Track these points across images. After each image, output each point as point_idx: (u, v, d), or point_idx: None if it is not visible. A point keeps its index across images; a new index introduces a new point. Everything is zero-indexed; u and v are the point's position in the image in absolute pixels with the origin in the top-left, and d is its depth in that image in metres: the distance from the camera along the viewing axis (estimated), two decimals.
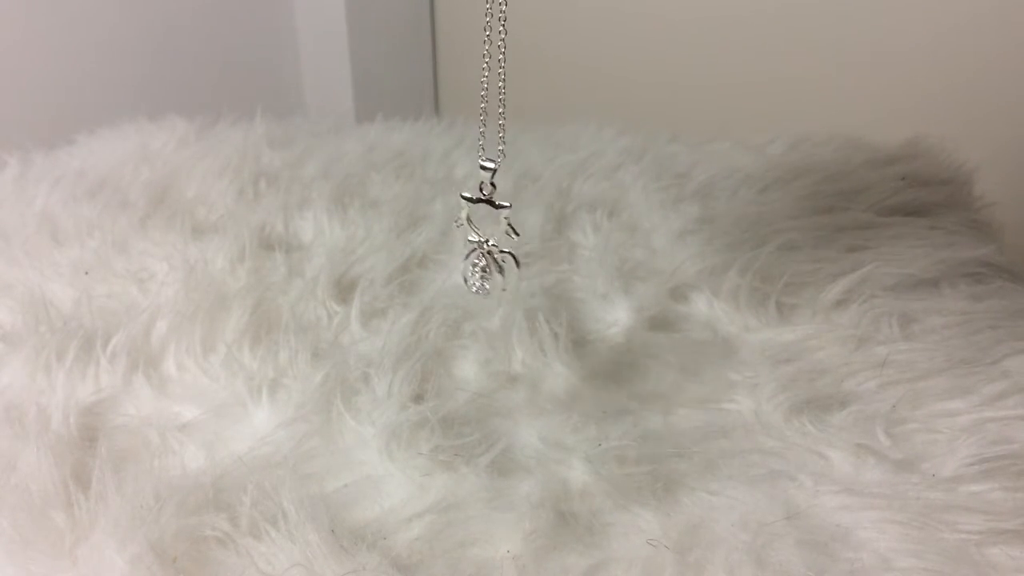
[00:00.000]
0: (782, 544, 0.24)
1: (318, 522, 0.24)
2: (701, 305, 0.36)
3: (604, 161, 0.49)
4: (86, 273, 0.35)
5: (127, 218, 0.39)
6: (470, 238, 0.28)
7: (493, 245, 0.28)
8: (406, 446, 0.27)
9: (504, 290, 0.28)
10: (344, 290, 0.36)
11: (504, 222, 0.27)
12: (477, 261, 0.28)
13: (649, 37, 0.74)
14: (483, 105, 0.27)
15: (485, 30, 0.26)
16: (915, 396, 0.30)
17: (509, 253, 0.28)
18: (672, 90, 0.73)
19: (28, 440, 0.26)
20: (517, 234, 0.27)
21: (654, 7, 0.73)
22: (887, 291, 0.35)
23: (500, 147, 0.28)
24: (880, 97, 0.64)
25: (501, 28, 0.26)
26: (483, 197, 0.27)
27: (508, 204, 0.27)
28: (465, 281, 0.28)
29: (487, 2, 0.26)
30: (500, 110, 0.27)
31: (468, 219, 0.28)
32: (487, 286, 0.28)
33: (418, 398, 0.30)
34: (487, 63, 0.26)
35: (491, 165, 0.27)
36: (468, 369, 0.32)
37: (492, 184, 0.27)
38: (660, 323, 0.35)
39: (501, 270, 0.28)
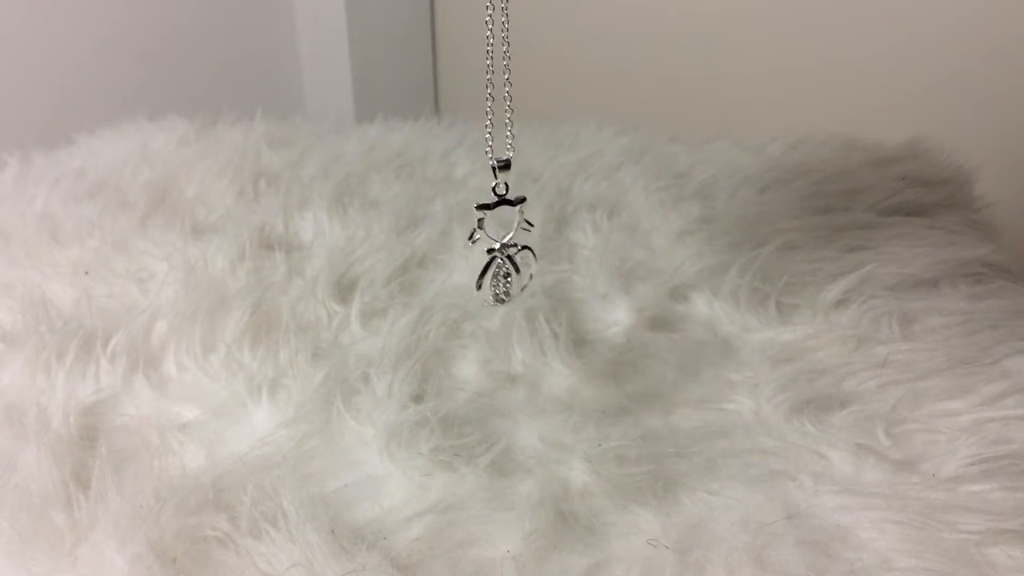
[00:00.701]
0: (782, 544, 0.24)
1: (318, 522, 0.24)
2: (701, 305, 0.36)
3: (604, 161, 0.49)
4: (86, 273, 0.35)
5: (127, 218, 0.39)
6: (489, 248, 0.27)
7: (512, 246, 0.27)
8: (406, 446, 0.27)
9: (524, 288, 0.27)
10: (344, 290, 0.36)
11: (519, 216, 0.27)
12: (498, 269, 0.27)
13: (649, 37, 0.74)
14: (489, 105, 0.27)
15: (487, 26, 0.26)
16: (915, 396, 0.30)
17: (527, 248, 0.27)
18: (672, 90, 0.73)
19: (28, 440, 0.26)
20: (531, 225, 0.27)
21: (654, 7, 0.73)
22: (887, 291, 0.35)
23: (509, 142, 0.27)
24: (880, 97, 0.64)
25: (504, 20, 0.26)
26: (500, 198, 0.27)
27: (524, 197, 0.27)
28: (487, 297, 0.27)
29: (489, 0, 0.26)
30: (507, 103, 0.27)
31: (483, 228, 0.27)
32: (510, 291, 0.27)
33: (418, 398, 0.30)
34: (491, 62, 0.26)
35: (508, 155, 0.27)
36: (468, 369, 0.32)
37: (506, 183, 0.27)
38: (660, 323, 0.35)
39: (517, 269, 0.27)
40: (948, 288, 0.36)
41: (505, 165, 0.27)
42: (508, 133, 0.27)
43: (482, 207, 0.26)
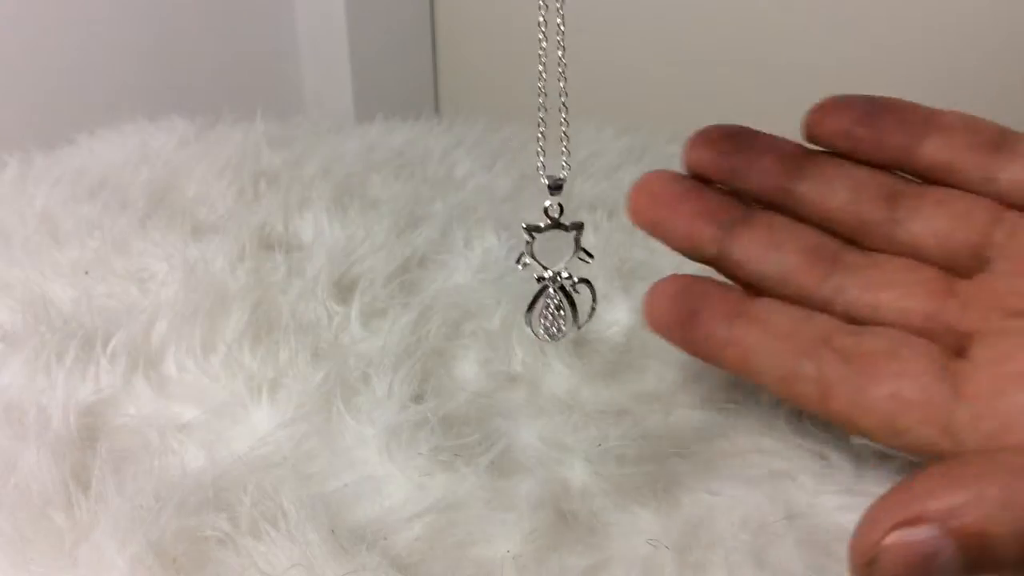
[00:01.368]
0: (782, 544, 0.24)
1: (318, 522, 0.24)
2: None
3: (604, 161, 0.49)
4: (86, 273, 0.35)
5: (127, 218, 0.39)
6: (539, 275, 0.24)
7: (566, 277, 0.24)
8: (406, 446, 0.27)
9: (582, 326, 0.25)
10: (344, 290, 0.36)
11: (574, 245, 0.24)
12: (550, 301, 0.24)
13: (649, 37, 0.74)
14: (541, 115, 0.26)
15: (540, 28, 0.26)
16: None
17: (585, 282, 0.25)
18: (672, 90, 0.73)
19: (28, 440, 0.26)
20: (591, 257, 0.25)
21: (654, 7, 0.73)
22: None
23: (564, 159, 0.26)
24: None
25: (559, 22, 0.26)
26: (553, 222, 0.24)
27: (582, 223, 0.25)
28: (537, 331, 0.25)
29: (542, 2, 0.26)
30: (563, 115, 0.26)
31: (532, 253, 0.24)
32: (563, 327, 0.25)
33: (418, 398, 0.30)
34: (543, 64, 0.26)
35: (562, 175, 0.24)
36: (468, 369, 0.32)
37: (560, 205, 0.25)
38: None
39: (573, 303, 0.24)
40: None
41: (558, 186, 0.25)
42: (563, 149, 0.27)
43: (531, 229, 0.24)
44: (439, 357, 0.32)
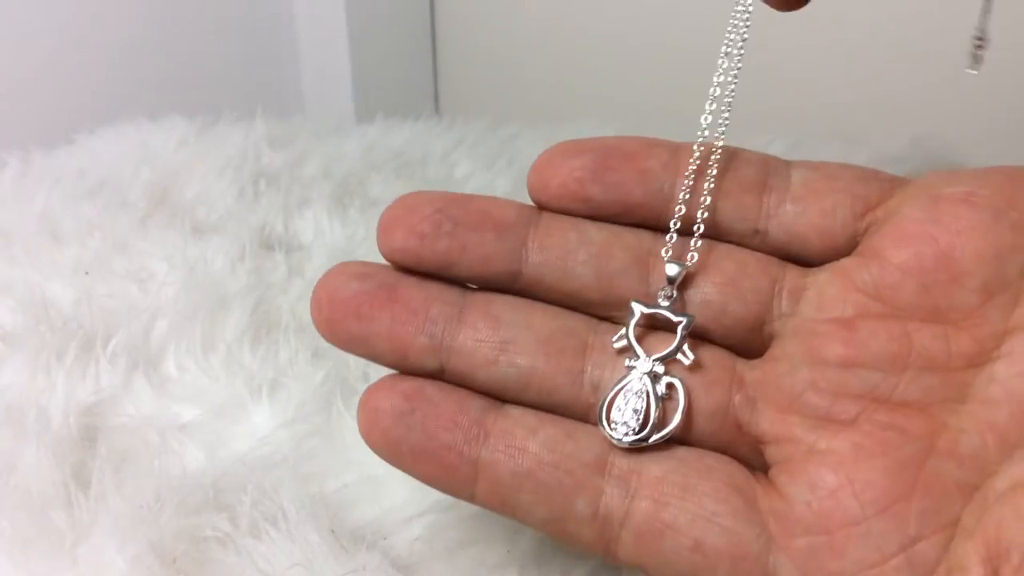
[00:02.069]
0: None
1: (318, 522, 0.24)
2: None
3: None
4: (86, 273, 0.35)
5: (127, 218, 0.39)
6: (631, 362, 0.21)
7: (660, 372, 0.21)
8: None
9: (663, 437, 0.20)
10: None
11: (677, 340, 0.21)
12: (634, 392, 0.20)
13: (650, 37, 0.74)
14: (719, 145, 0.22)
15: (724, 48, 0.23)
16: None
17: (677, 382, 0.21)
18: (672, 90, 0.73)
19: (28, 440, 0.26)
20: (690, 358, 0.21)
21: (654, 7, 0.73)
22: None
23: (697, 234, 0.22)
24: (880, 97, 0.64)
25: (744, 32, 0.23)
26: (665, 305, 0.21)
27: (692, 318, 0.21)
28: (611, 427, 0.20)
29: (732, 18, 0.23)
30: (714, 155, 0.22)
31: (632, 335, 0.21)
32: (640, 429, 0.20)
33: None
34: (719, 82, 0.23)
35: (687, 265, 0.21)
36: None
37: (675, 289, 0.21)
38: None
39: (659, 402, 0.20)
40: None
41: (680, 275, 0.21)
42: (700, 214, 0.22)
43: (641, 305, 0.21)
44: None
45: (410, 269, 0.21)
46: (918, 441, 0.19)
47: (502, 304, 0.21)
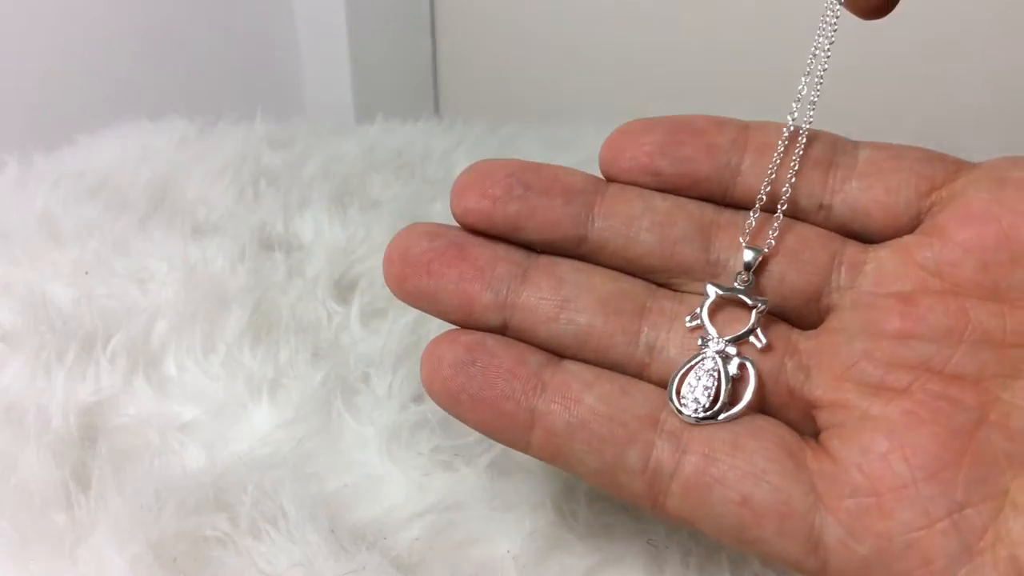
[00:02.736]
0: None
1: (318, 522, 0.24)
2: None
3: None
4: (86, 273, 0.35)
5: (127, 218, 0.39)
6: (704, 340, 0.21)
7: (731, 352, 0.21)
8: (406, 446, 0.27)
9: (732, 415, 0.20)
10: (344, 290, 0.36)
11: (751, 322, 0.21)
12: (710, 372, 0.21)
13: (650, 37, 0.74)
14: (790, 124, 0.23)
15: (813, 51, 0.23)
16: None
17: (749, 362, 0.21)
18: (672, 90, 0.73)
19: (28, 440, 0.26)
20: (762, 342, 0.21)
21: (654, 8, 0.73)
22: None
23: (775, 227, 0.22)
24: (883, 96, 0.64)
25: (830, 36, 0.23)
26: (740, 288, 0.22)
27: (766, 301, 0.21)
28: (682, 402, 0.20)
29: (822, 18, 0.23)
30: (797, 154, 0.23)
31: (706, 315, 0.21)
32: (710, 406, 0.20)
33: (418, 398, 0.30)
34: (805, 83, 0.23)
35: (764, 249, 0.22)
36: None
37: (751, 273, 0.22)
38: None
39: (729, 382, 0.21)
40: None
41: (757, 260, 0.22)
42: (780, 205, 0.22)
43: (717, 287, 0.22)
44: None
45: (481, 231, 0.22)
46: (970, 412, 0.19)
47: (566, 266, 0.22)
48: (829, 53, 0.23)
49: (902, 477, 0.19)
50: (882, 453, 0.19)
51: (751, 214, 0.22)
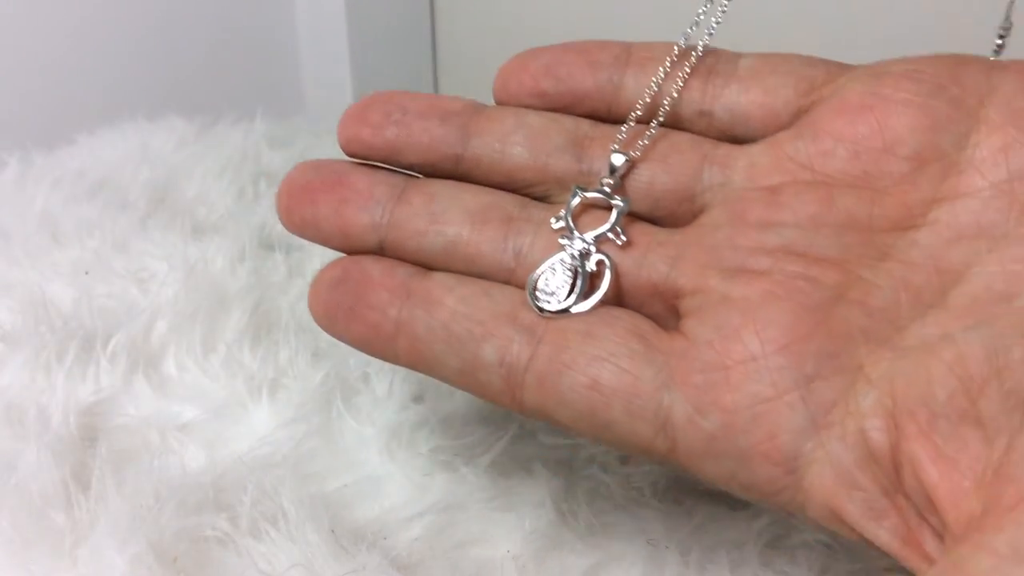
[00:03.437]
0: (786, 544, 0.24)
1: (318, 522, 0.24)
2: None
3: None
4: (86, 273, 0.35)
5: (127, 218, 0.39)
6: (564, 239, 0.22)
7: (591, 249, 0.21)
8: (406, 446, 0.27)
9: (586, 308, 0.21)
10: None
11: (612, 220, 0.22)
12: (562, 267, 0.21)
13: (649, 37, 0.74)
14: (675, 43, 0.23)
15: None
16: None
17: (607, 258, 0.21)
18: None
19: (28, 440, 0.26)
20: (622, 239, 0.22)
21: (654, 9, 0.73)
22: None
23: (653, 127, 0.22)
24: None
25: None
26: (604, 190, 0.22)
27: (626, 201, 0.22)
28: (534, 295, 0.21)
29: None
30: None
31: (571, 214, 0.22)
32: (560, 300, 0.21)
33: (418, 398, 0.30)
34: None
35: (632, 154, 0.22)
36: None
37: (619, 177, 0.22)
38: None
39: (586, 276, 0.21)
40: None
41: (625, 166, 0.22)
42: (657, 116, 0.23)
43: (580, 189, 0.22)
44: None
45: (364, 159, 0.23)
46: (828, 290, 0.19)
47: (439, 184, 0.23)
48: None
49: (752, 350, 0.19)
50: (735, 328, 0.19)
51: (625, 124, 0.23)
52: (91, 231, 0.38)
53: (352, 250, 0.22)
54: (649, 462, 0.27)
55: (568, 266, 0.21)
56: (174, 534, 0.23)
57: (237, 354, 0.31)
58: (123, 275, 0.35)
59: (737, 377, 0.19)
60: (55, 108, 0.64)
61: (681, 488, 0.26)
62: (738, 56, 0.23)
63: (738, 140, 0.22)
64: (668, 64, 0.23)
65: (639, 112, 0.23)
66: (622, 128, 0.23)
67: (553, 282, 0.21)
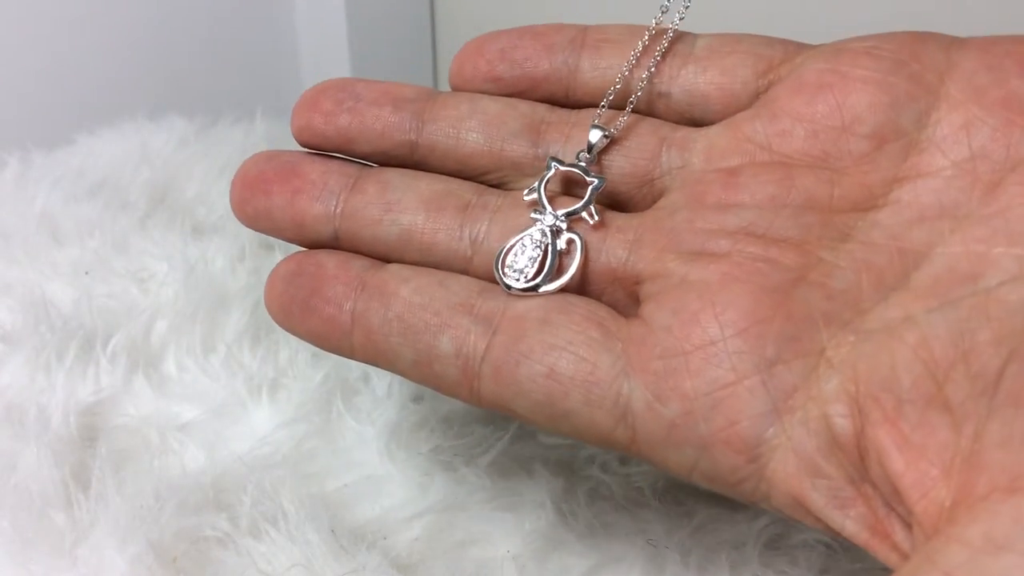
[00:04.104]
0: (786, 544, 0.24)
1: (318, 522, 0.24)
2: None
3: None
4: (86, 273, 0.35)
5: (127, 218, 0.39)
6: (535, 212, 0.21)
7: (562, 226, 0.21)
8: (406, 446, 0.27)
9: (556, 288, 0.20)
10: None
11: (586, 197, 0.21)
12: (531, 243, 0.21)
13: None
14: (631, 24, 0.23)
15: None
16: None
17: (578, 237, 0.21)
18: None
19: (28, 440, 0.26)
20: (595, 218, 0.21)
21: (654, 11, 0.73)
22: None
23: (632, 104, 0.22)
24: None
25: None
26: (580, 165, 0.21)
27: (604, 179, 0.21)
28: (501, 271, 0.21)
29: None
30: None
31: (544, 188, 0.21)
32: (528, 278, 0.20)
33: (418, 398, 0.30)
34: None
35: (612, 131, 0.22)
36: None
37: (595, 153, 0.22)
38: None
39: (556, 255, 0.21)
40: None
41: (603, 142, 0.22)
42: (605, 97, 0.22)
43: (555, 161, 0.22)
44: None
45: (318, 149, 0.23)
46: (788, 272, 0.19)
47: (393, 172, 0.22)
48: None
49: (712, 334, 0.19)
50: (693, 312, 0.19)
51: (601, 104, 0.22)
52: (91, 231, 0.38)
53: (306, 241, 0.22)
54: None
55: (537, 243, 0.21)
56: (174, 534, 0.23)
57: (237, 354, 0.31)
58: (123, 275, 0.35)
59: (696, 363, 0.18)
60: (55, 108, 0.64)
61: (681, 488, 0.26)
62: (695, 37, 0.23)
63: (696, 122, 0.22)
64: (626, 47, 0.22)
65: (611, 96, 0.22)
66: (603, 103, 0.22)
67: (522, 259, 0.21)
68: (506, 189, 0.23)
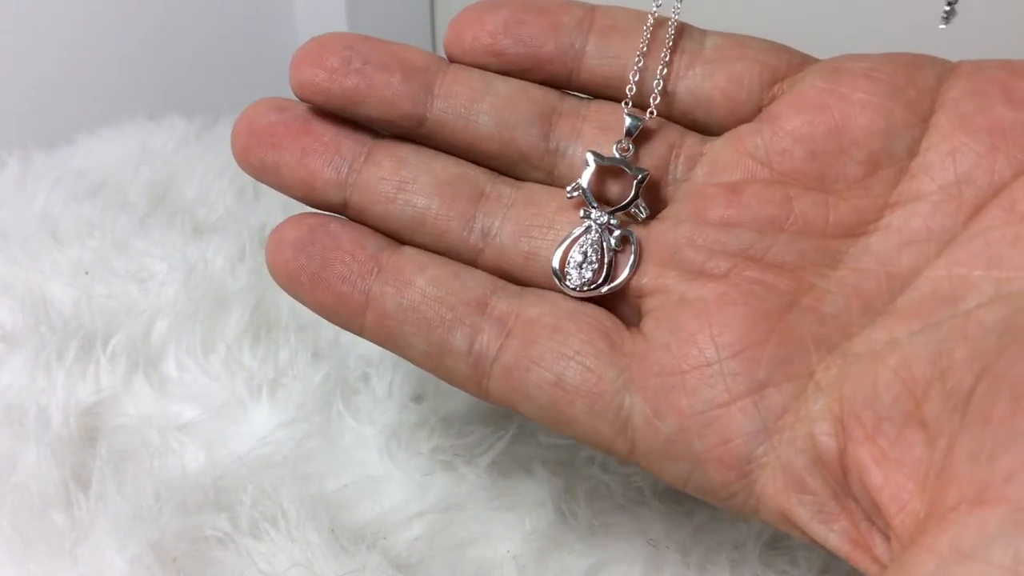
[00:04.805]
0: (785, 544, 0.24)
1: (318, 522, 0.24)
2: None
3: None
4: (86, 273, 0.35)
5: (127, 218, 0.39)
6: (585, 211, 0.21)
7: (613, 224, 0.21)
8: (406, 446, 0.27)
9: (612, 288, 0.21)
10: None
11: (632, 193, 0.21)
12: (596, 244, 0.21)
13: None
14: (639, 10, 0.22)
15: None
16: None
17: (630, 235, 0.21)
18: None
19: (28, 440, 0.26)
20: (645, 213, 0.21)
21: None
22: None
23: (657, 88, 0.22)
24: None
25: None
26: (618, 158, 0.21)
27: (647, 172, 0.21)
28: (566, 272, 0.21)
29: None
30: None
31: (588, 185, 0.21)
32: (594, 277, 0.21)
33: (418, 398, 0.30)
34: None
35: (646, 117, 0.21)
36: None
37: (632, 143, 0.21)
38: None
39: (612, 253, 0.21)
40: None
41: (637, 128, 0.21)
42: (628, 90, 0.22)
43: (596, 156, 0.21)
44: None
45: (319, 107, 0.22)
46: (782, 296, 0.20)
47: (408, 148, 0.22)
48: None
49: (708, 355, 0.19)
50: (690, 333, 0.20)
51: (630, 81, 0.22)
52: (91, 231, 0.38)
53: (314, 203, 0.22)
54: None
55: (594, 244, 0.21)
56: (174, 534, 0.23)
57: (237, 354, 0.31)
58: (123, 275, 0.35)
59: (693, 382, 0.19)
60: (55, 108, 0.64)
61: None
62: (704, 34, 0.22)
63: (698, 122, 0.22)
64: (633, 36, 0.22)
65: (632, 92, 0.22)
66: (630, 84, 0.22)
67: (580, 260, 0.21)
68: (513, 176, 0.22)
